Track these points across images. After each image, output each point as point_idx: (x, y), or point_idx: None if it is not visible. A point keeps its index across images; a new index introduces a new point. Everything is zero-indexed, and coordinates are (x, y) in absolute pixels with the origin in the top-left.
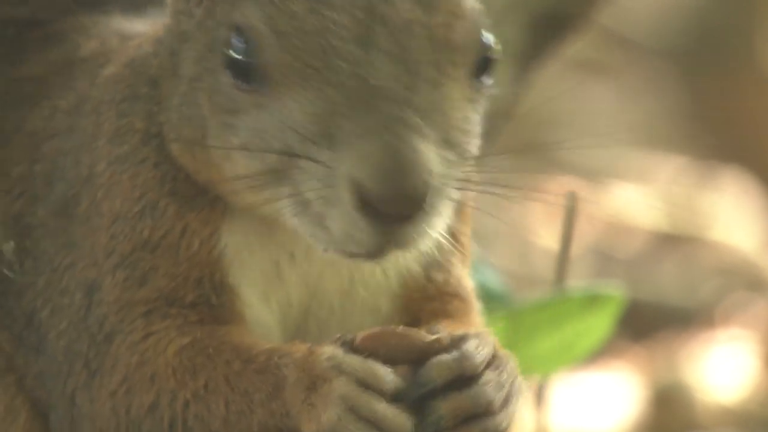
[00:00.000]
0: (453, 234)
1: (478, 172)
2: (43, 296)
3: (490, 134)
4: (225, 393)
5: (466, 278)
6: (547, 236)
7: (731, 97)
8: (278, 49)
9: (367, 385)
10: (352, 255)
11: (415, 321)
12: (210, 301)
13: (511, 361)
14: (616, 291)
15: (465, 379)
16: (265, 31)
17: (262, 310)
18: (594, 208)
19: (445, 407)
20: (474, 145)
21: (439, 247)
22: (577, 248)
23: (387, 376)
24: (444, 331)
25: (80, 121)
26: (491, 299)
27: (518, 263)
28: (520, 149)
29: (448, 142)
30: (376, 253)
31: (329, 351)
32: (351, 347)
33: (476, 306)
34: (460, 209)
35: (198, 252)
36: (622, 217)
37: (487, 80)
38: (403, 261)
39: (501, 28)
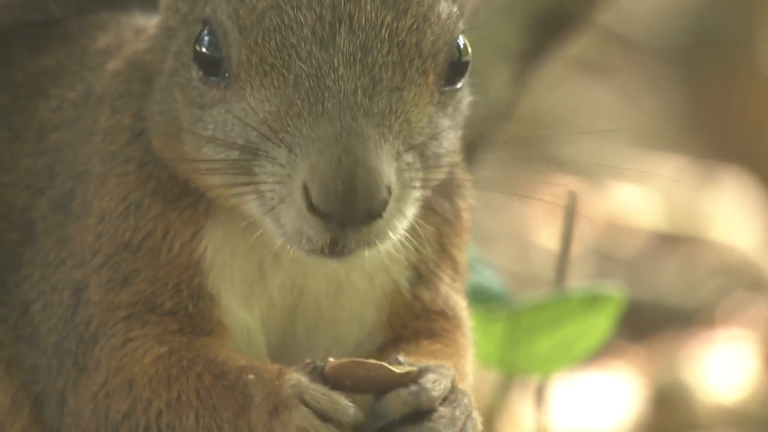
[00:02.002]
0: (442, 247)
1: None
2: (37, 289)
3: (490, 134)
4: (195, 406)
5: (455, 295)
6: (547, 236)
7: (731, 97)
8: (241, 45)
9: (326, 416)
10: (308, 251)
11: (397, 338)
12: (187, 309)
13: (467, 397)
14: (616, 291)
15: (421, 412)
16: (230, 26)
17: (242, 313)
18: (594, 208)
19: None
20: (445, 150)
21: (426, 261)
22: (577, 248)
23: (347, 408)
24: (406, 362)
25: (84, 114)
26: (491, 299)
27: (518, 263)
28: (518, 145)
29: (412, 147)
30: (333, 252)
31: (295, 378)
32: (319, 374)
33: (464, 324)
34: (452, 222)
35: (178, 255)
36: (622, 217)
37: (459, 84)
38: (390, 274)
39: (501, 28)
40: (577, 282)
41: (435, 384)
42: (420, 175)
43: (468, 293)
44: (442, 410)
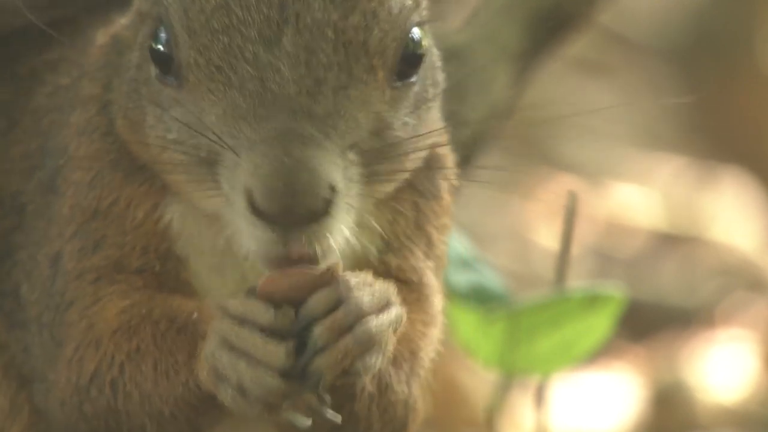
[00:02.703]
0: (418, 224)
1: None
2: (25, 270)
3: (489, 134)
4: (153, 354)
5: (427, 272)
6: (547, 236)
7: (731, 96)
8: (190, 47)
9: (244, 320)
10: (261, 256)
11: None
12: (154, 269)
13: (390, 288)
14: (616, 291)
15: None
16: (179, 27)
17: (214, 280)
18: (594, 208)
19: (320, 327)
20: (395, 145)
21: (398, 234)
22: (577, 248)
23: (264, 312)
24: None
25: (72, 96)
26: (491, 299)
27: (518, 263)
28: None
29: (354, 146)
30: (283, 250)
31: (218, 301)
32: (252, 295)
33: (429, 301)
34: (430, 200)
35: (143, 223)
36: (622, 217)
37: (414, 78)
38: (360, 241)
39: (500, 28)
40: (577, 282)
41: (353, 276)
42: (368, 171)
43: (468, 293)
44: (362, 289)
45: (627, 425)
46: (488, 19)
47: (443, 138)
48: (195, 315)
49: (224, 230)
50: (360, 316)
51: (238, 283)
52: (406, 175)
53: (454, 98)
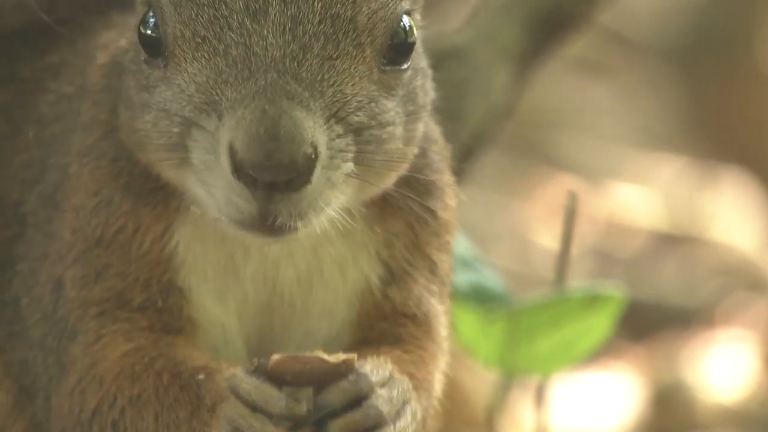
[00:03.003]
0: (417, 246)
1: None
2: (26, 284)
3: (489, 134)
4: (155, 405)
5: (430, 298)
6: (547, 236)
7: (731, 97)
8: (176, 20)
9: (256, 407)
10: (241, 225)
11: (362, 340)
12: (156, 305)
13: (406, 383)
14: (616, 291)
15: (361, 398)
16: (166, 3)
17: (216, 310)
18: (594, 208)
19: (338, 424)
20: (390, 134)
21: (398, 259)
22: (577, 248)
23: (278, 399)
24: (344, 356)
25: (75, 108)
26: (491, 299)
27: (518, 263)
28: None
29: (346, 121)
30: (265, 227)
31: (231, 372)
32: (263, 372)
33: (435, 331)
34: (427, 221)
35: (149, 251)
36: (622, 217)
37: (405, 65)
38: (361, 269)
39: (500, 28)
40: (577, 282)
41: (373, 370)
42: (353, 149)
43: (468, 293)
44: (380, 391)
45: (627, 425)
46: (488, 19)
47: (441, 156)
48: (201, 377)
49: (228, 247)
50: (379, 423)
51: (241, 308)
52: (394, 172)
53: (454, 98)
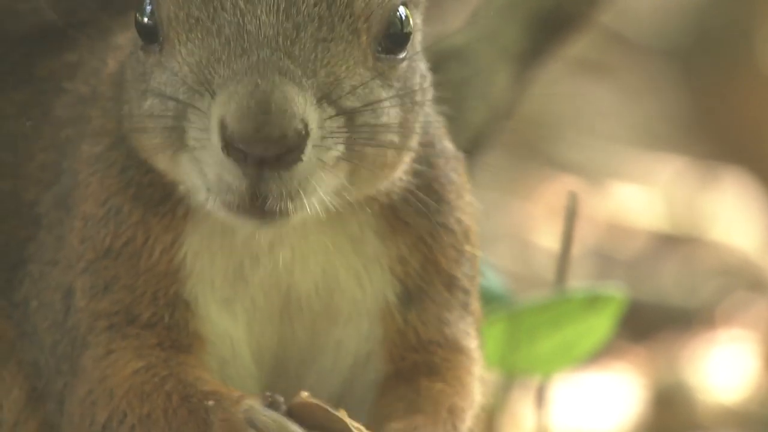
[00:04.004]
0: (428, 259)
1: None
2: (37, 287)
3: (490, 135)
4: (163, 426)
5: (449, 318)
6: (547, 237)
7: (732, 97)
8: (171, 3)
9: None
10: (230, 207)
11: (398, 373)
12: (164, 320)
13: None
14: (616, 292)
15: None
16: None
17: (223, 321)
18: (595, 208)
19: None
20: (385, 125)
21: (412, 274)
22: (577, 249)
23: None
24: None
25: (87, 112)
26: (492, 300)
27: (519, 264)
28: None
29: (332, 100)
30: (256, 208)
31: (248, 404)
32: (277, 407)
33: (465, 349)
34: (436, 232)
35: (158, 262)
36: (622, 218)
37: (401, 55)
38: (376, 283)
39: (501, 28)
40: (577, 282)
41: None
42: (345, 132)
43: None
44: None
45: (628, 425)
46: (489, 19)
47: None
48: (210, 402)
49: (236, 254)
50: None
51: (250, 317)
52: (389, 167)
53: (455, 99)
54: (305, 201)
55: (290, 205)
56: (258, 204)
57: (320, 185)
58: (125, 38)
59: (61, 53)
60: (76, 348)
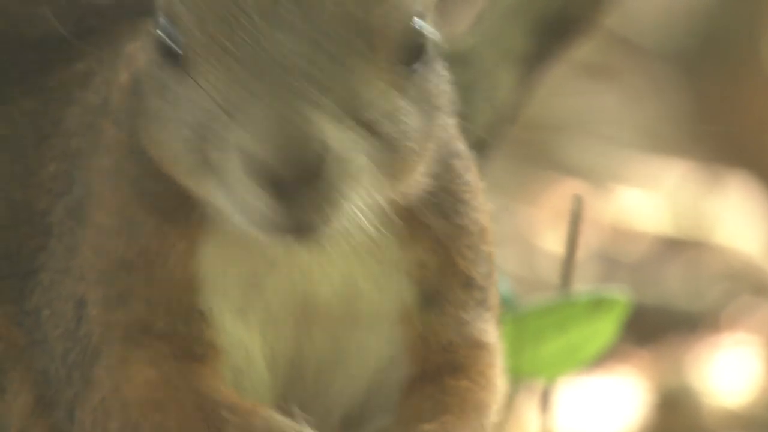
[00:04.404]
0: (450, 264)
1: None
2: (48, 296)
3: (495, 138)
4: None
5: (465, 317)
6: (552, 240)
7: (736, 100)
8: (191, 24)
9: None
10: (261, 228)
11: (423, 374)
12: (179, 330)
13: None
14: (621, 295)
15: None
16: (181, 7)
17: (237, 330)
18: (599, 212)
19: None
20: (406, 136)
21: (429, 278)
22: (582, 252)
23: None
24: None
25: (98, 122)
26: None
27: (523, 267)
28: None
29: (351, 114)
30: (283, 225)
31: (267, 413)
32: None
33: (487, 350)
34: (451, 232)
35: (173, 271)
36: (627, 222)
37: (420, 68)
38: (394, 285)
39: (506, 32)
40: (582, 286)
41: None
42: (364, 144)
43: None
44: None
45: (632, 429)
46: (493, 23)
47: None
48: (226, 414)
49: (251, 261)
50: None
51: (264, 325)
52: (410, 173)
53: (459, 102)
54: (332, 215)
55: (319, 221)
56: (288, 223)
57: (345, 198)
58: (137, 47)
59: (71, 63)
60: (88, 357)
